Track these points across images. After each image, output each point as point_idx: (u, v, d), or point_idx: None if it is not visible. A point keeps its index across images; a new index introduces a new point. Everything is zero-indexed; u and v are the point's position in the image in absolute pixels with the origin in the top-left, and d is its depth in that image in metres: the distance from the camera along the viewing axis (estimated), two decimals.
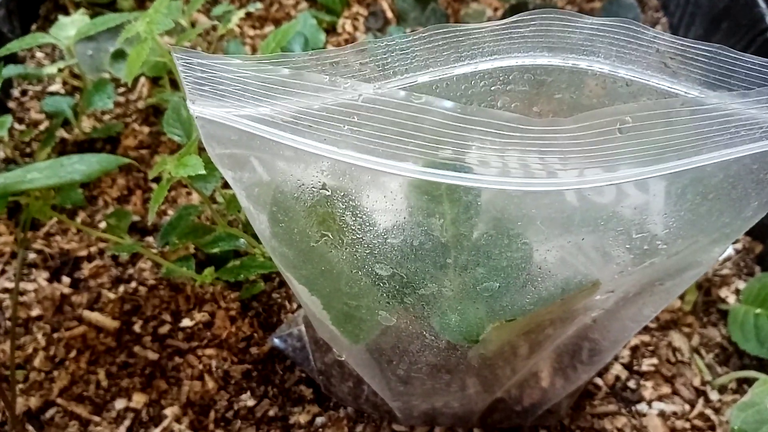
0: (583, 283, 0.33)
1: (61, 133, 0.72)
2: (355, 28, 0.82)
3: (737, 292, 0.60)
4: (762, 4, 0.62)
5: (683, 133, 0.26)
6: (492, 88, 0.33)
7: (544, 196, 0.27)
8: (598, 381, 0.56)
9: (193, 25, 0.72)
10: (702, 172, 0.28)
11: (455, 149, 0.24)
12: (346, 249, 0.33)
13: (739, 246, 0.64)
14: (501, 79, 0.32)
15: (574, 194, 0.27)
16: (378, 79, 0.30)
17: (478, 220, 0.29)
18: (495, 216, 0.29)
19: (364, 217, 0.31)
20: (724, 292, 0.60)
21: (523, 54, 0.31)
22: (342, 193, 0.31)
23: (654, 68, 0.30)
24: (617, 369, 0.56)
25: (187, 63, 0.28)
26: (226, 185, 0.57)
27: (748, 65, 0.29)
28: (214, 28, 0.77)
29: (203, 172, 0.42)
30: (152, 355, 0.57)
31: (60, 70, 0.68)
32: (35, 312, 0.59)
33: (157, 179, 0.65)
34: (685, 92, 0.30)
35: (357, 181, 0.30)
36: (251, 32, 0.81)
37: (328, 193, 0.31)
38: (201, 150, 0.51)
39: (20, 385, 0.55)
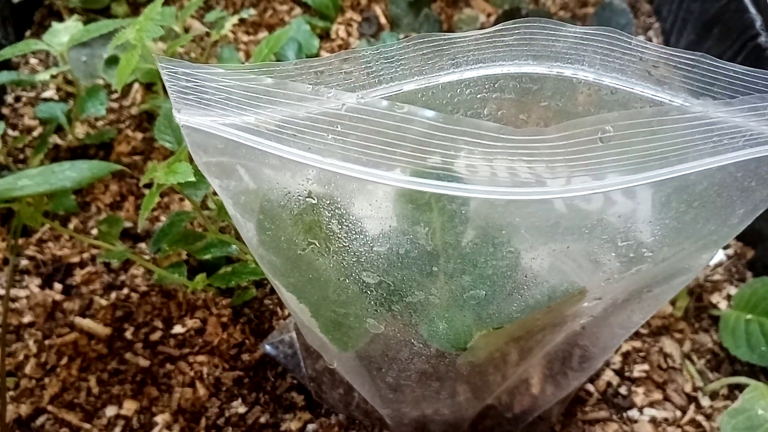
0: (569, 290, 0.33)
1: (55, 139, 0.72)
2: (349, 34, 0.83)
3: (729, 297, 0.60)
4: (752, 10, 0.63)
5: (666, 142, 0.26)
6: (478, 96, 0.33)
7: (528, 205, 0.27)
8: (590, 387, 0.56)
9: (186, 30, 0.72)
10: (686, 181, 0.28)
11: (439, 158, 0.24)
12: (333, 257, 0.33)
13: (730, 251, 0.64)
14: (487, 87, 0.32)
15: (558, 202, 0.27)
16: (364, 87, 0.30)
17: (464, 229, 0.30)
18: (480, 224, 0.29)
19: (350, 225, 0.31)
20: (715, 298, 0.60)
21: (508, 62, 0.31)
22: (328, 202, 0.31)
23: (638, 76, 0.30)
24: (608, 375, 0.56)
25: (172, 72, 0.28)
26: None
27: (731, 73, 0.29)
28: (207, 34, 0.77)
29: (193, 179, 0.42)
30: (143, 362, 0.56)
31: (53, 77, 0.68)
32: (27, 319, 0.59)
33: (150, 186, 0.65)
34: (670, 100, 0.31)
35: (343, 190, 0.30)
36: (245, 38, 0.81)
37: (314, 202, 0.31)
38: (191, 157, 0.51)
39: (11, 392, 0.55)
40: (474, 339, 0.36)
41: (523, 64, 0.31)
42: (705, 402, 0.55)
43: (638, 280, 0.36)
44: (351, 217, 0.31)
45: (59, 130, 0.72)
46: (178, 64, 0.28)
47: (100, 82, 0.74)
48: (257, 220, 0.34)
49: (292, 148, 0.28)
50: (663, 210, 0.30)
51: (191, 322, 0.58)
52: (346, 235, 0.32)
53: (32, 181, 0.49)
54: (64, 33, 0.66)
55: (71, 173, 0.49)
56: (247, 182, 0.32)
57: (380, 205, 0.30)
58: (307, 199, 0.31)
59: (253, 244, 0.36)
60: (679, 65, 0.29)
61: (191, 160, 0.47)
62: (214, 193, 0.58)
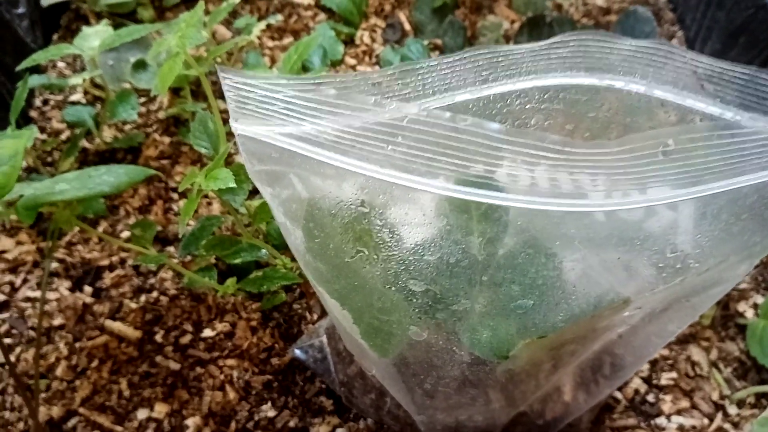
0: (615, 300, 0.34)
1: (82, 142, 0.72)
2: (373, 40, 0.83)
3: (755, 306, 0.61)
4: None
5: (723, 156, 0.26)
6: (527, 107, 0.33)
7: (584, 217, 0.27)
8: (618, 394, 0.56)
9: (213, 35, 0.73)
10: (738, 194, 0.29)
11: (502, 170, 0.25)
12: (380, 265, 0.33)
13: (758, 260, 0.64)
14: (537, 97, 0.32)
15: (614, 214, 0.28)
16: (418, 98, 0.31)
17: (517, 239, 0.30)
18: (533, 235, 0.30)
19: (401, 234, 0.31)
20: (742, 307, 0.61)
21: (560, 74, 0.31)
22: (380, 211, 0.31)
23: (689, 89, 0.31)
24: (636, 382, 0.56)
25: (233, 83, 0.29)
26: (249, 196, 0.58)
27: None
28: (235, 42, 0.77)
29: (234, 185, 0.42)
30: (174, 365, 0.57)
31: (83, 80, 0.69)
32: (57, 321, 0.60)
33: (176, 188, 0.65)
34: (720, 113, 0.31)
35: (396, 199, 0.30)
36: (270, 43, 0.82)
37: (366, 210, 0.31)
38: (226, 162, 0.52)
39: (43, 395, 0.55)
40: (517, 348, 0.36)
41: (575, 76, 0.31)
42: (732, 410, 0.55)
43: (679, 291, 0.36)
44: (403, 226, 0.31)
45: (87, 133, 0.72)
46: (239, 74, 0.29)
47: (127, 85, 0.75)
48: (305, 228, 0.34)
49: (350, 158, 0.28)
50: (713, 222, 0.30)
51: (221, 326, 0.59)
52: (396, 243, 0.32)
53: (70, 185, 0.49)
54: (94, 37, 0.66)
55: (108, 178, 0.50)
56: (299, 191, 0.32)
57: (433, 215, 0.30)
58: (359, 208, 0.31)
59: (300, 251, 0.36)
60: (732, 80, 0.29)
61: (227, 165, 0.48)
62: (247, 198, 0.58)
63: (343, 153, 0.28)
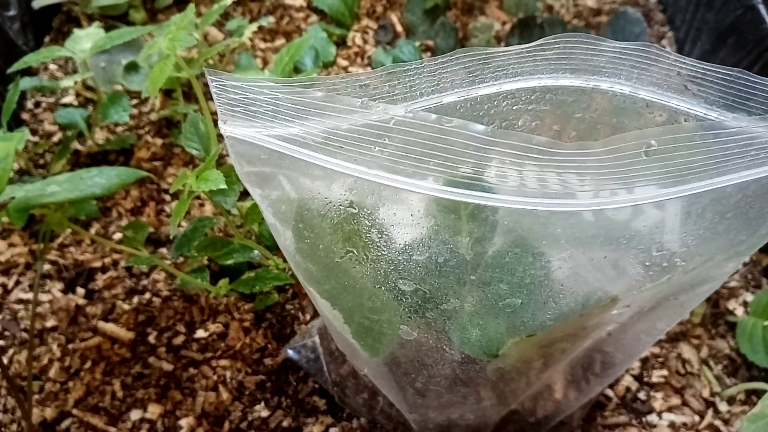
0: (602, 299, 0.34)
1: (74, 144, 0.72)
2: (365, 41, 0.83)
3: (745, 304, 0.61)
4: None
5: (706, 156, 0.27)
6: (514, 108, 0.33)
7: (570, 216, 0.28)
8: (609, 392, 0.56)
9: (205, 37, 0.73)
10: (722, 193, 0.29)
11: (488, 171, 0.25)
12: (370, 265, 0.34)
13: (746, 258, 0.64)
14: (524, 99, 0.33)
15: (600, 214, 0.28)
16: (405, 99, 0.31)
17: (504, 239, 0.30)
18: (520, 235, 0.30)
19: (390, 234, 0.32)
20: (732, 305, 0.61)
21: (546, 75, 0.32)
22: (369, 211, 0.31)
23: (674, 90, 0.31)
24: (628, 380, 0.57)
25: (221, 85, 0.29)
26: (241, 198, 0.58)
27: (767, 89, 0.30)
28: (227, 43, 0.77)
29: (224, 186, 0.43)
30: (167, 366, 0.57)
31: (75, 83, 0.69)
32: (50, 323, 0.60)
33: (169, 190, 0.66)
34: (704, 114, 0.31)
35: (384, 200, 0.30)
36: (262, 45, 0.82)
37: (354, 211, 0.31)
38: (218, 164, 0.52)
39: (36, 396, 0.56)
40: (506, 346, 0.36)
41: (560, 78, 0.31)
42: (723, 407, 0.56)
43: (666, 289, 0.37)
44: (391, 226, 0.31)
45: (79, 135, 0.72)
46: (227, 77, 0.29)
47: (119, 88, 0.75)
48: (295, 229, 0.35)
49: (338, 159, 0.28)
50: (698, 221, 0.31)
51: (214, 327, 0.59)
52: (385, 243, 0.32)
53: (61, 187, 0.49)
54: (86, 39, 0.66)
55: (100, 180, 0.50)
56: (288, 192, 0.33)
57: (421, 215, 0.31)
58: (348, 209, 0.32)
59: (290, 252, 0.36)
60: (715, 80, 0.30)
61: (218, 167, 0.48)
62: (238, 199, 0.58)
63: (330, 154, 0.28)
